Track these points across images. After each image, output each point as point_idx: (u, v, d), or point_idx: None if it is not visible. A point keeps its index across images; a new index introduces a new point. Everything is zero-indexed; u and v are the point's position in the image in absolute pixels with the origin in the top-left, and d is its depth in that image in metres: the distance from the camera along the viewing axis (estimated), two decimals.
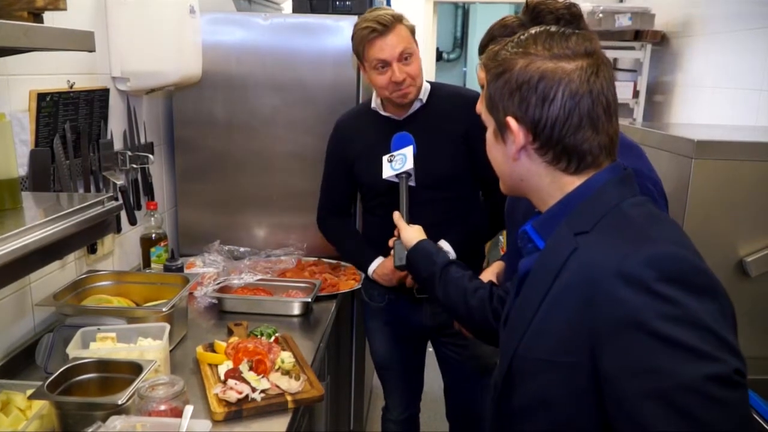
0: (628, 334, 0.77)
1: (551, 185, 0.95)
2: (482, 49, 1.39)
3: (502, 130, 0.96)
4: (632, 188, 0.94)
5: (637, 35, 3.42)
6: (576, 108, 0.89)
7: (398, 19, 1.85)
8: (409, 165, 1.70)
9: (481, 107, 1.39)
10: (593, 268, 0.83)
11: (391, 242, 1.61)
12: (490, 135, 1.01)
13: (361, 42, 1.85)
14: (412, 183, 1.72)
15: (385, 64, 1.83)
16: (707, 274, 0.80)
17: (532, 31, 0.96)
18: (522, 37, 0.95)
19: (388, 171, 1.73)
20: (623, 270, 0.79)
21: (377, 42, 1.82)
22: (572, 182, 0.94)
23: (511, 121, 0.93)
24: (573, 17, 1.31)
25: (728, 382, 0.73)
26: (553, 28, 0.95)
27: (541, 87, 0.90)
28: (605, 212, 0.89)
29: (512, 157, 0.96)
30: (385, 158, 1.75)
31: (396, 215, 1.61)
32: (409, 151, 1.72)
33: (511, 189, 1.04)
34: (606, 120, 0.91)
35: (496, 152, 1.01)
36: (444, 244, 1.95)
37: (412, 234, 1.51)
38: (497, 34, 1.37)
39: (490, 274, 1.68)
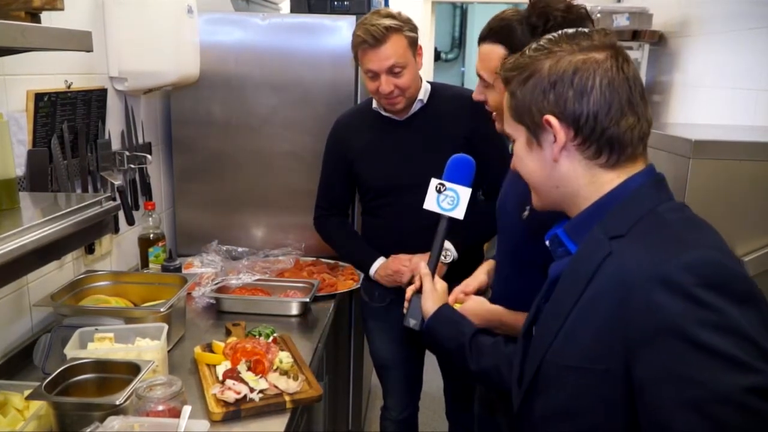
0: (664, 340, 0.74)
1: (588, 186, 0.92)
2: (480, 41, 1.38)
3: (538, 133, 0.93)
4: (667, 192, 0.92)
5: (635, 35, 3.41)
6: (615, 96, 0.87)
7: (395, 29, 1.82)
8: (459, 214, 1.39)
9: (487, 97, 1.38)
10: (628, 272, 0.80)
11: (408, 293, 1.40)
12: (521, 146, 0.97)
13: (354, 48, 1.89)
14: (459, 216, 1.41)
15: (375, 74, 1.85)
16: (748, 281, 0.78)
17: (550, 36, 0.94)
18: (541, 42, 0.94)
19: (431, 203, 1.41)
20: (661, 274, 0.76)
21: (368, 52, 1.84)
22: (609, 181, 0.91)
23: (552, 119, 0.90)
24: (579, 17, 1.30)
25: None
26: (571, 30, 0.94)
27: (576, 80, 0.88)
28: (641, 216, 0.87)
29: (553, 159, 0.92)
30: (433, 183, 1.41)
31: (423, 268, 1.38)
32: (465, 194, 1.40)
33: (546, 201, 1.00)
34: (644, 106, 0.89)
35: (529, 161, 0.97)
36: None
37: (433, 302, 1.31)
38: (495, 26, 1.34)
39: (481, 272, 1.67)
